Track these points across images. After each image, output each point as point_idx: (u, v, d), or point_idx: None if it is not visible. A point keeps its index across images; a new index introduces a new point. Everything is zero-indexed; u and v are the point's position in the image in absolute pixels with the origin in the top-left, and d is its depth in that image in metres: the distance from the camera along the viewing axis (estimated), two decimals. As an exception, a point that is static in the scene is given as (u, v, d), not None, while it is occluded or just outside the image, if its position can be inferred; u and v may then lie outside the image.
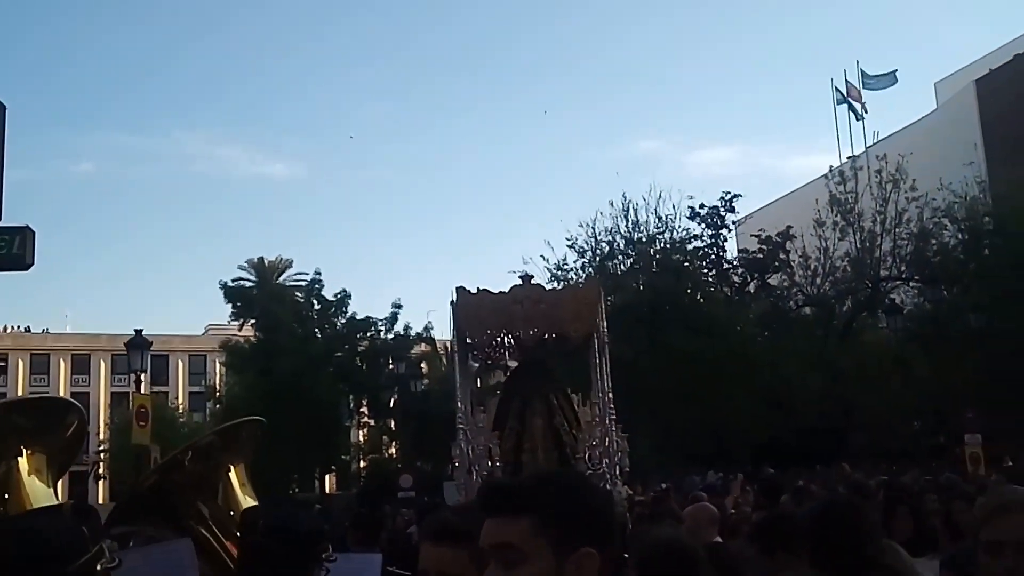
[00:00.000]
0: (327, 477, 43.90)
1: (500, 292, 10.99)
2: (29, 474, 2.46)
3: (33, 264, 15.42)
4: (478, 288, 10.81)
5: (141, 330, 22.88)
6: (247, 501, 3.43)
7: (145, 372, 23.15)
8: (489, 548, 1.93)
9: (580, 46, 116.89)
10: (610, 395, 10.79)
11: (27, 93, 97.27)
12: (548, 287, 31.89)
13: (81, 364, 72.96)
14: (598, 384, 11.13)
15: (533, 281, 12.44)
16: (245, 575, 3.02)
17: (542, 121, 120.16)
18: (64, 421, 2.60)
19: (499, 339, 11.30)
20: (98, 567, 2.15)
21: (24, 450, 2.47)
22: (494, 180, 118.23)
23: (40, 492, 2.47)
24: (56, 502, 2.48)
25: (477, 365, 12.89)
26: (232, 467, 3.46)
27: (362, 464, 46.24)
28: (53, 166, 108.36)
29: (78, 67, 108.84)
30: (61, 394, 70.04)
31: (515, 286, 11.13)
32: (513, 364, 12.42)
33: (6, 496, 2.39)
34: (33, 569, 2.05)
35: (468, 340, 11.34)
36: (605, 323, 10.96)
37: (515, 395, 11.27)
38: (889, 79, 53.39)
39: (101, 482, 57.40)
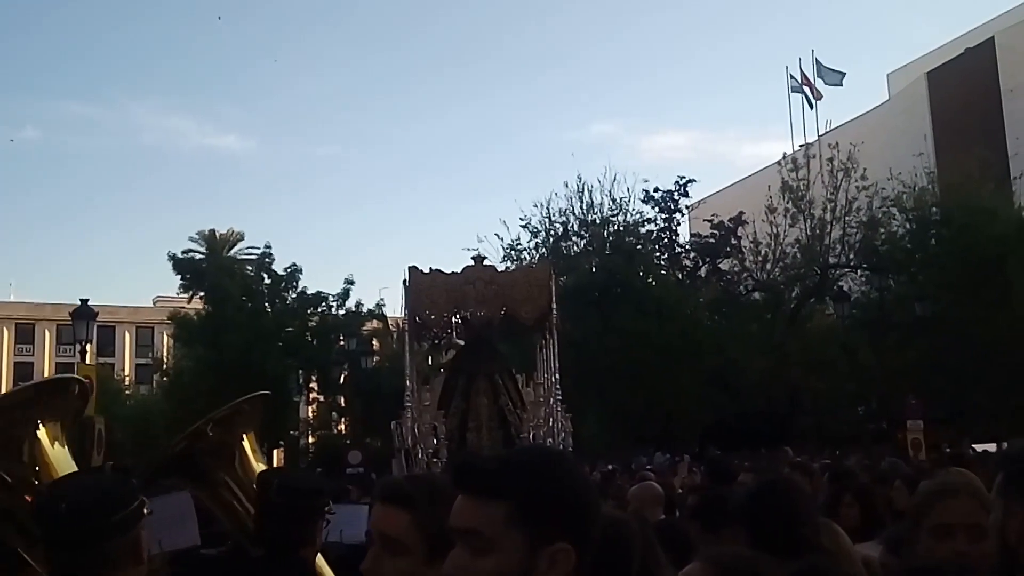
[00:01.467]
0: (275, 452, 43.62)
1: (452, 272, 11.03)
2: (51, 443, 2.97)
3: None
4: (431, 268, 10.83)
5: (87, 299, 22.49)
6: (259, 466, 4.06)
7: (90, 343, 22.78)
8: (457, 531, 1.80)
9: (535, 23, 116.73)
10: (557, 376, 10.88)
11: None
12: (502, 267, 32.06)
13: (25, 333, 71.75)
14: (545, 364, 11.21)
15: (486, 262, 12.49)
16: (262, 527, 3.62)
17: (496, 98, 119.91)
18: (67, 390, 3.17)
19: (449, 318, 11.32)
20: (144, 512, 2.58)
21: (41, 424, 2.95)
22: (448, 158, 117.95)
23: (61, 457, 2.97)
24: (73, 465, 2.95)
25: (427, 345, 12.90)
26: (244, 436, 4.08)
27: (311, 440, 46.03)
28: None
29: (21, 32, 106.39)
30: (4, 363, 69.02)
31: (467, 267, 11.17)
32: (461, 343, 12.47)
33: (36, 467, 2.89)
34: (95, 515, 2.44)
35: (419, 319, 11.35)
36: (556, 305, 11.04)
37: (460, 374, 11.35)
38: (837, 76, 53.93)
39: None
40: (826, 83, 53.42)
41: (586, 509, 1.83)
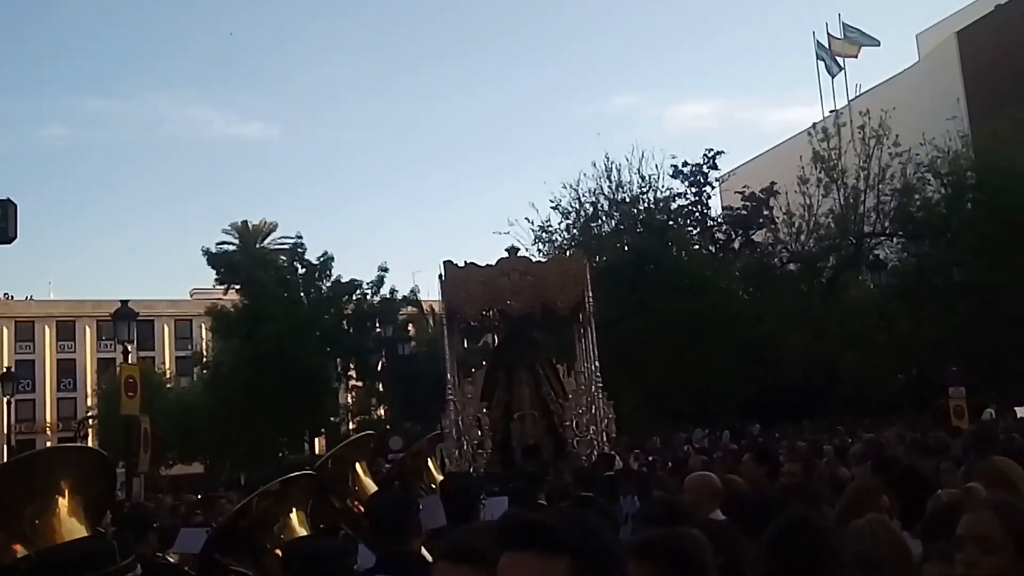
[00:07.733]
0: (316, 440, 44.07)
1: (487, 265, 11.05)
2: (363, 475, 5.61)
3: (16, 238, 15.34)
4: (465, 261, 10.86)
5: (127, 300, 22.72)
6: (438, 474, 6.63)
7: (132, 343, 23.04)
8: None
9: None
10: (596, 363, 10.92)
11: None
12: (533, 249, 32.03)
13: (66, 331, 72.65)
14: (584, 353, 11.25)
15: (519, 247, 12.56)
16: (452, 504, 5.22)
17: (517, 76, 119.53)
18: (365, 441, 6.20)
19: (487, 312, 11.37)
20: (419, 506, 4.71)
21: (356, 464, 5.60)
22: (474, 137, 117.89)
23: (369, 482, 5.56)
24: (373, 487, 5.56)
25: (462, 337, 12.97)
26: (428, 460, 6.67)
27: (351, 426, 46.42)
28: (22, 131, 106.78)
29: (39, 29, 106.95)
30: (47, 361, 69.95)
31: (502, 259, 11.17)
32: (498, 337, 12.55)
33: (356, 488, 5.53)
34: (401, 510, 4.55)
35: (457, 314, 11.42)
36: (591, 293, 11.06)
37: (501, 366, 11.41)
38: (871, 39, 53.01)
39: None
40: (857, 43, 52.42)
41: (623, 560, 2.02)
